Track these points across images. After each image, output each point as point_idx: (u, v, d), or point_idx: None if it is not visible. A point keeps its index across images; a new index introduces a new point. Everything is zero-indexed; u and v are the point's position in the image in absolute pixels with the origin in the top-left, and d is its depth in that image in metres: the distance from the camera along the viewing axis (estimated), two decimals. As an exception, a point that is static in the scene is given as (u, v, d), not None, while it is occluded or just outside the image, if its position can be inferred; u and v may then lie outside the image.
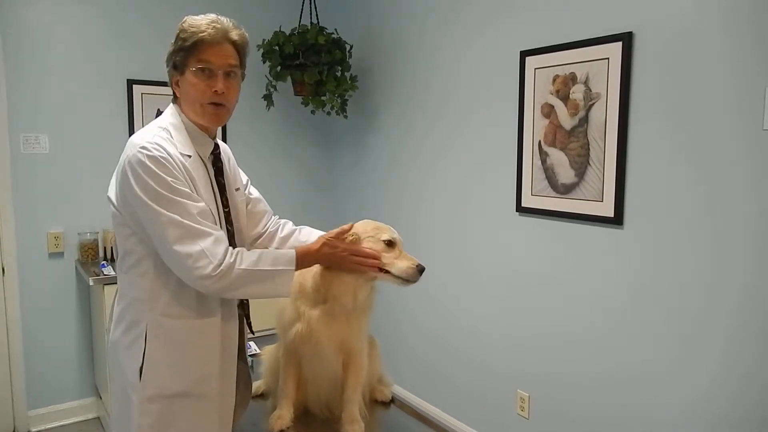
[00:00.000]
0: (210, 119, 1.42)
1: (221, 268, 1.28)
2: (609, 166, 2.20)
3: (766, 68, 1.76)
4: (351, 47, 3.40)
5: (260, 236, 1.67)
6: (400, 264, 1.47)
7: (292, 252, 1.41)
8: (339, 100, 3.37)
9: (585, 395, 2.39)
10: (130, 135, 3.17)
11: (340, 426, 1.56)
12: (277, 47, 3.23)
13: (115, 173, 1.39)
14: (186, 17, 1.42)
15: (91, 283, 2.87)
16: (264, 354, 1.85)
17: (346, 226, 1.51)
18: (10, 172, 3.03)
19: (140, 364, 1.36)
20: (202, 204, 1.33)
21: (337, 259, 1.46)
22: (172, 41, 1.41)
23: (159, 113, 3.33)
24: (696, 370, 2.00)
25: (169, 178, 1.29)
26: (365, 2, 3.52)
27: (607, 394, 2.30)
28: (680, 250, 2.03)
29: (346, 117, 3.49)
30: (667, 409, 2.09)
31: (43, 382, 3.21)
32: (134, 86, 3.27)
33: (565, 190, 2.40)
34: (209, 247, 1.28)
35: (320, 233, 1.67)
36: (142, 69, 3.28)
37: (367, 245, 1.49)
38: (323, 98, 3.33)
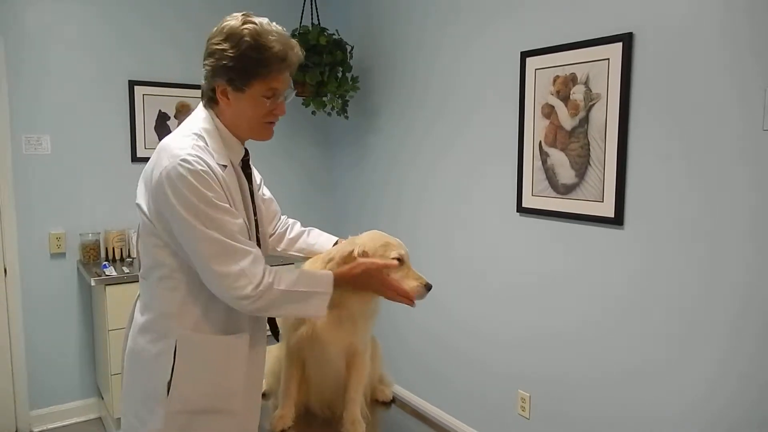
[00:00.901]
0: (264, 135, 1.41)
1: (260, 288, 1.26)
2: (609, 166, 2.21)
3: (766, 68, 1.77)
4: (352, 48, 3.40)
5: (269, 237, 1.66)
6: (408, 283, 1.47)
7: (330, 274, 1.39)
8: (340, 101, 3.38)
9: (585, 395, 2.39)
10: (131, 135, 3.29)
11: (342, 426, 1.57)
12: (278, 48, 3.23)
13: (142, 179, 1.36)
14: (246, 23, 1.30)
15: (92, 284, 2.88)
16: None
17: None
18: (12, 173, 3.04)
19: (169, 379, 1.33)
20: (240, 221, 1.31)
21: (371, 286, 1.45)
22: (228, 48, 1.28)
23: (161, 114, 3.39)
24: (695, 370, 2.01)
25: (210, 194, 1.25)
26: (365, 3, 3.53)
27: (607, 394, 2.30)
28: (680, 250, 2.03)
29: (347, 118, 3.50)
30: (667, 409, 2.10)
31: (45, 382, 3.22)
32: (136, 87, 3.27)
33: (565, 190, 2.40)
34: (248, 266, 1.26)
35: (329, 237, 1.68)
36: (144, 70, 3.27)
37: None
38: (324, 99, 3.34)
